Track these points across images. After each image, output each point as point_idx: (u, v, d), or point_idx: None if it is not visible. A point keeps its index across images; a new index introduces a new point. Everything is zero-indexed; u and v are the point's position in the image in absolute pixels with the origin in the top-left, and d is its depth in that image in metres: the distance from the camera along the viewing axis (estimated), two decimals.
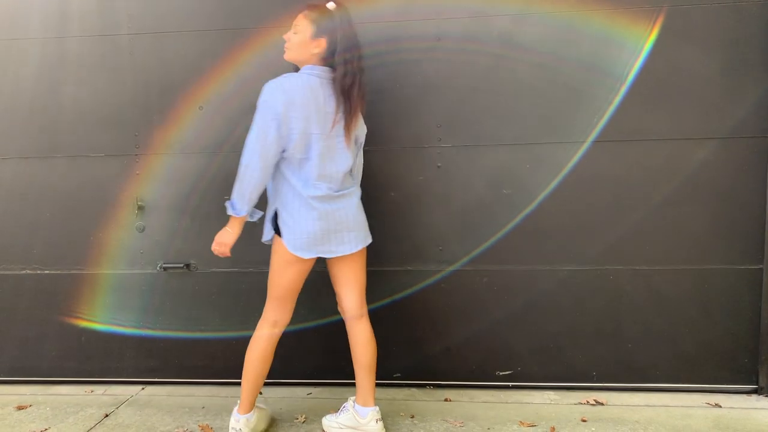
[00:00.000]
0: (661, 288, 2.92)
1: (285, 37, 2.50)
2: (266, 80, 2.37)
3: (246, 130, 2.34)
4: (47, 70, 3.13)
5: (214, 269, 3.12)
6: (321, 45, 2.44)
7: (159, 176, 3.11)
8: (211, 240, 3.07)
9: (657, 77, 2.84)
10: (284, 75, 2.39)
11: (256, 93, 2.34)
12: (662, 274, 2.92)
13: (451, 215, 2.98)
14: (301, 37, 2.45)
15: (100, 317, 3.19)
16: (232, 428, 2.55)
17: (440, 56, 2.93)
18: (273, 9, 2.97)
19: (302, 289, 2.72)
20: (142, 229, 3.14)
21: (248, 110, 2.96)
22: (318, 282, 2.85)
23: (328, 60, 2.45)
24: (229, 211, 2.42)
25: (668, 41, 2.82)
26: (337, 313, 2.67)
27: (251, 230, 3.03)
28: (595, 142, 2.88)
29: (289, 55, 2.49)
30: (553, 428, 2.62)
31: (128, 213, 3.13)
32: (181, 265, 3.13)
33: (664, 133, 2.87)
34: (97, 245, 3.17)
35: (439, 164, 2.96)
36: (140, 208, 3.12)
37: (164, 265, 3.13)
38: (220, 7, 3.01)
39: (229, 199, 2.41)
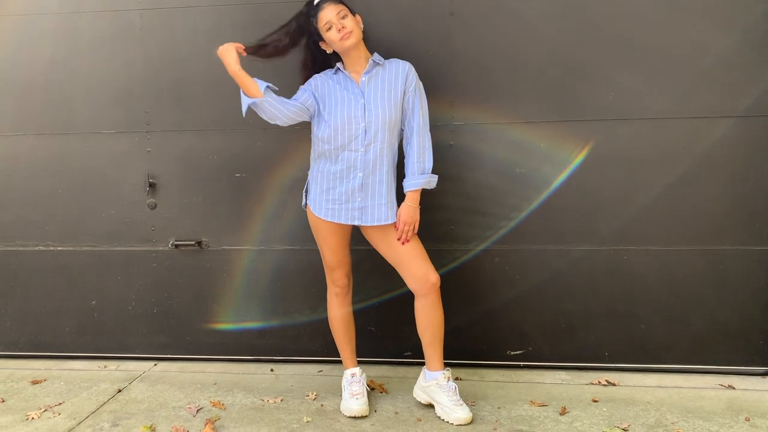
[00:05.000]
0: (675, 269, 2.89)
1: (340, 23, 2.38)
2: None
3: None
4: (61, 46, 3.12)
5: (225, 247, 3.12)
6: (360, 21, 2.48)
7: (170, 153, 3.11)
8: (223, 217, 3.09)
9: (673, 54, 2.79)
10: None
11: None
12: (676, 255, 2.88)
13: (463, 194, 2.95)
14: (351, 18, 2.43)
15: (113, 294, 3.22)
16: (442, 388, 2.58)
17: (453, 32, 2.88)
18: None
19: (313, 270, 2.72)
20: (153, 206, 3.14)
21: None
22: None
23: None
24: (433, 185, 2.55)
25: (685, 18, 2.76)
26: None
27: (256, 208, 3.05)
28: (609, 120, 2.84)
29: (354, 40, 2.42)
30: (564, 408, 2.61)
31: (140, 190, 3.14)
32: (193, 243, 3.13)
33: (679, 112, 2.81)
34: (110, 222, 3.18)
35: (451, 142, 2.93)
36: (152, 185, 3.12)
37: (176, 243, 3.14)
38: None
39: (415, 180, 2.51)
